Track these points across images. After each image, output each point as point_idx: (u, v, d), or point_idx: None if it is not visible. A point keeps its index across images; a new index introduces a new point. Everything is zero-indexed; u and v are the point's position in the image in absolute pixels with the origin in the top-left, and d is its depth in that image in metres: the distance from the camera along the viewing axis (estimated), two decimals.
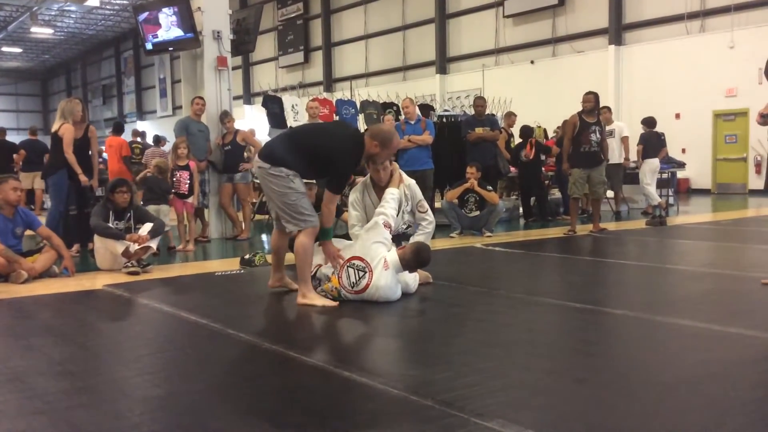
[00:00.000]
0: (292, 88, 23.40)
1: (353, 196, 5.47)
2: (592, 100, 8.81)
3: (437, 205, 9.93)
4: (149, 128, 26.44)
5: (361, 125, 13.14)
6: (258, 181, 12.51)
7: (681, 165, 13.84)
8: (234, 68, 11.16)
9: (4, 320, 4.71)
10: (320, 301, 4.68)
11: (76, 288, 5.74)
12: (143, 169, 10.59)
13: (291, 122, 12.53)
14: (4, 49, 41.13)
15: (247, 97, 33.30)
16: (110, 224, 6.66)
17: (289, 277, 5.17)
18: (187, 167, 8.37)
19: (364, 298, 4.66)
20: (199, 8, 9.27)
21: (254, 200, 11.73)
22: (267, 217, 12.38)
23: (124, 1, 32.27)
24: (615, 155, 11.38)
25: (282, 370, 3.30)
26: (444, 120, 12.09)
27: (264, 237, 9.69)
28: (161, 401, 2.90)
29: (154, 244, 6.63)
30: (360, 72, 27.82)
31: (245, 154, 9.37)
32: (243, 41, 10.23)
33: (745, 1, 17.37)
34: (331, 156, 4.66)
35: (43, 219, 7.37)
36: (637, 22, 19.62)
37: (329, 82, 29.39)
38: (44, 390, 3.02)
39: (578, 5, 20.85)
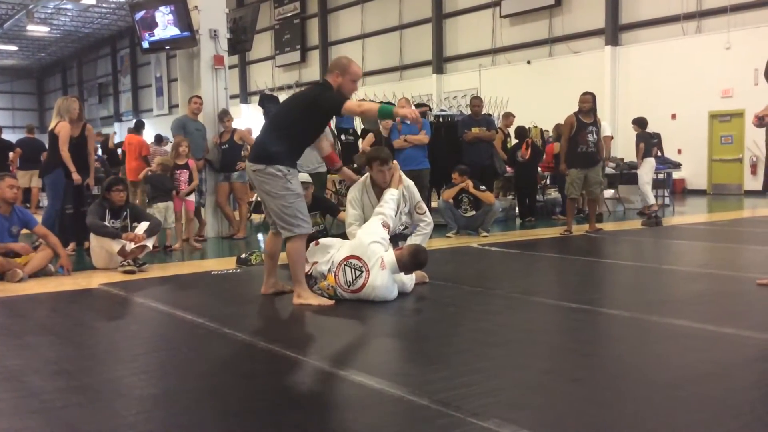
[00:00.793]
0: (289, 87, 23.38)
1: (352, 194, 5.47)
2: (590, 100, 8.84)
3: (433, 204, 9.94)
4: (145, 127, 26.30)
5: (358, 125, 13.16)
6: None
7: (677, 165, 13.86)
8: (231, 67, 11.16)
9: None
10: (316, 300, 4.68)
11: (72, 287, 5.73)
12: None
13: None
14: (0, 47, 41.00)
15: (244, 96, 33.27)
16: (106, 223, 6.66)
17: (284, 278, 5.15)
18: (186, 166, 8.37)
19: (361, 297, 4.66)
20: (195, 7, 9.27)
21: (251, 199, 11.71)
22: (263, 216, 12.39)
23: (121, 0, 32.21)
24: None
25: (278, 370, 3.30)
26: (441, 120, 12.10)
27: (260, 236, 9.68)
28: (157, 400, 2.90)
29: (150, 243, 6.63)
30: None
31: (242, 152, 9.37)
32: (240, 40, 10.23)
33: (742, 2, 17.39)
34: (312, 106, 4.70)
35: (39, 217, 7.35)
36: (634, 22, 19.64)
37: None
38: (40, 389, 3.02)
39: (575, 6, 20.87)
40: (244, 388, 3.03)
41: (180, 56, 9.91)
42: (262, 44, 31.45)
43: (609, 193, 12.43)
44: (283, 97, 13.46)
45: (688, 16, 18.47)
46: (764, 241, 8.59)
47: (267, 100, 12.70)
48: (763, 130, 5.33)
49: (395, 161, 5.58)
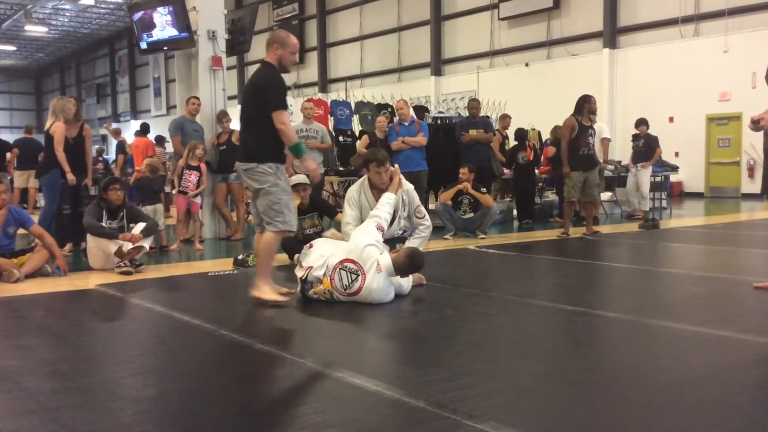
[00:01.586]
0: (288, 88, 23.38)
1: (350, 194, 5.47)
2: (595, 103, 9.00)
3: (431, 206, 9.94)
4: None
5: (357, 126, 13.17)
6: None
7: (674, 168, 13.87)
8: (229, 68, 11.15)
9: None
10: (271, 296, 4.75)
11: (69, 287, 5.72)
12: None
13: None
14: None
15: (242, 97, 33.22)
16: (103, 223, 6.64)
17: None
18: (198, 168, 8.39)
19: (357, 300, 4.66)
20: (194, 8, 9.26)
21: (248, 200, 11.69)
22: None
23: (119, 0, 32.18)
24: None
25: (275, 371, 3.29)
26: (438, 122, 12.11)
27: None
28: (153, 401, 2.90)
29: (147, 244, 6.62)
30: (355, 73, 27.81)
31: None
32: (238, 41, 10.22)
33: (740, 5, 17.42)
34: (261, 99, 4.75)
35: (36, 218, 7.34)
36: (632, 25, 19.67)
37: (324, 82, 29.38)
38: (36, 390, 3.01)
39: (573, 8, 20.90)
40: (240, 390, 3.03)
41: (178, 57, 9.90)
42: (261, 45, 31.15)
43: (606, 195, 12.43)
44: None
45: (686, 20, 18.50)
46: (761, 244, 8.61)
47: None
48: (761, 133, 5.34)
49: (396, 165, 5.58)
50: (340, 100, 13.88)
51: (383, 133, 9.69)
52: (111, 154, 22.01)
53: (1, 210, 6.23)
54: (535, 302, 4.94)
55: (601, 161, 11.60)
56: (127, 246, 6.37)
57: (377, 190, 5.36)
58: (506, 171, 11.40)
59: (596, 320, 4.39)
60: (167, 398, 2.94)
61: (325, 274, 4.73)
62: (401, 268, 4.74)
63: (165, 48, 10.32)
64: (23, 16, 31.37)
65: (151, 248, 7.23)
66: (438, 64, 24.81)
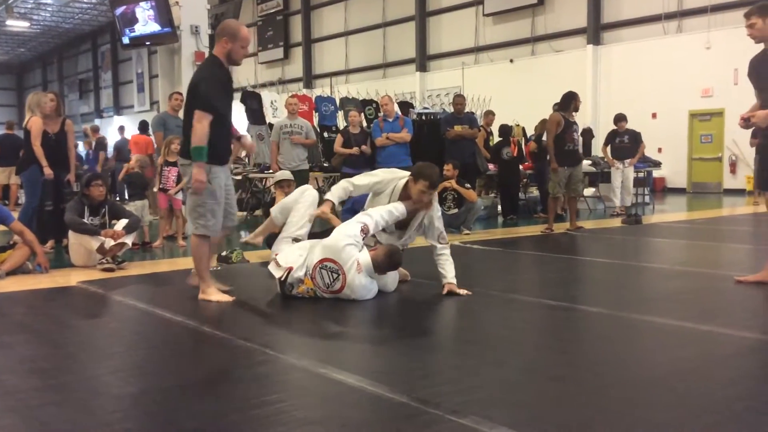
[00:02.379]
0: (272, 84, 23.29)
1: (380, 179, 5.15)
2: (580, 100, 9.11)
3: None
4: (127, 123, 26.13)
5: (341, 122, 13.14)
6: (237, 177, 12.52)
7: (657, 164, 13.96)
8: None
9: None
10: (216, 296, 4.76)
11: (50, 285, 5.67)
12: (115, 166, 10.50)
13: (270, 118, 12.49)
14: None
15: None
16: (85, 220, 6.59)
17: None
18: (176, 164, 8.31)
19: (340, 297, 4.65)
20: (177, 2, 9.21)
21: None
22: (246, 214, 12.33)
23: None
24: None
25: (257, 367, 3.28)
26: (423, 117, 12.10)
27: (242, 233, 9.63)
28: (134, 399, 2.88)
29: (129, 240, 6.57)
30: (340, 69, 27.77)
31: None
32: None
33: (722, 2, 17.55)
34: (195, 91, 4.63)
35: (17, 214, 7.26)
36: (615, 22, 19.78)
37: (309, 78, 29.31)
38: (15, 388, 2.98)
39: (557, 5, 20.97)
40: (222, 386, 3.01)
41: (161, 52, 9.85)
42: None
43: (590, 191, 12.49)
44: (265, 94, 13.47)
45: (669, 16, 18.62)
46: (742, 239, 8.69)
47: (249, 97, 12.65)
48: (745, 129, 5.37)
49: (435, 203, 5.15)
50: (325, 96, 13.85)
51: (355, 128, 9.67)
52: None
53: None
54: (518, 297, 4.96)
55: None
56: (109, 243, 6.32)
57: (406, 200, 4.99)
58: (491, 167, 11.43)
59: (580, 315, 4.41)
60: (149, 395, 2.92)
61: (306, 274, 4.70)
62: (381, 266, 4.73)
63: (148, 43, 10.28)
64: (4, 10, 31.05)
65: (134, 244, 7.18)
66: (423, 60, 24.82)
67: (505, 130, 11.51)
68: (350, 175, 9.47)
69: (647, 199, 13.78)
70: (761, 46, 5.03)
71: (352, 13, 27.45)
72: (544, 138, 10.08)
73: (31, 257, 6.23)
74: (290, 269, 4.74)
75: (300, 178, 8.37)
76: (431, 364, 3.30)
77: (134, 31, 9.59)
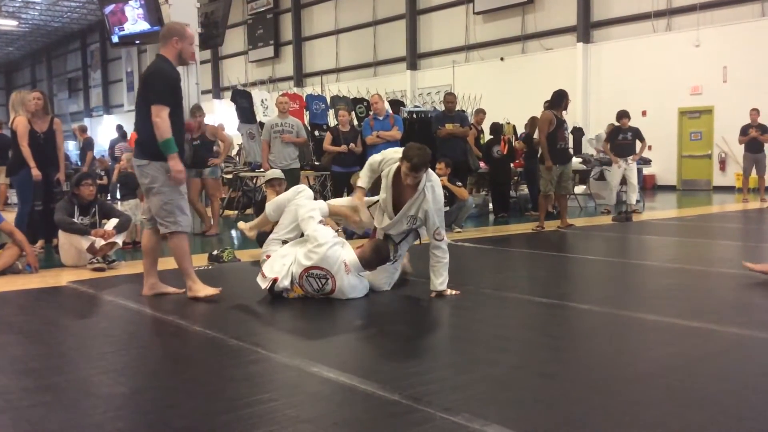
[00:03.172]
0: (262, 82, 23.22)
1: (384, 163, 5.04)
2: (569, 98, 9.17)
3: None
4: (116, 122, 26.01)
5: (332, 121, 13.13)
6: (228, 176, 12.49)
7: (647, 162, 14.02)
8: (203, 62, 11.06)
9: None
10: (204, 291, 4.76)
11: (40, 285, 5.64)
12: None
13: (260, 117, 12.48)
14: None
15: (217, 91, 33.01)
16: (75, 219, 6.56)
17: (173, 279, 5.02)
18: None
19: (333, 298, 4.65)
20: (166, 1, 9.16)
21: (223, 196, 11.63)
22: (236, 212, 12.31)
23: None
24: None
25: (249, 367, 3.27)
26: (414, 116, 12.11)
27: (233, 233, 9.62)
28: (125, 399, 2.87)
29: (119, 240, 6.55)
30: (330, 67, 27.74)
31: (214, 148, 9.30)
32: (211, 35, 10.13)
33: (711, 0, 17.63)
34: (147, 88, 4.64)
35: (6, 215, 7.22)
36: (605, 20, 19.84)
37: (299, 77, 29.25)
38: (5, 388, 2.97)
39: (547, 3, 21.02)
40: (213, 386, 3.00)
41: (151, 51, 9.78)
42: (235, 39, 31.22)
43: (581, 189, 12.52)
44: (255, 92, 13.44)
45: (659, 14, 18.70)
46: (732, 236, 8.73)
47: (239, 96, 12.62)
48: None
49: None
50: (316, 94, 13.84)
51: (345, 126, 9.67)
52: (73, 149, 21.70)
53: None
54: (510, 295, 4.97)
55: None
56: (100, 242, 6.30)
57: (399, 184, 4.88)
58: (482, 165, 11.45)
59: (571, 312, 4.42)
60: (139, 395, 2.91)
61: (293, 283, 4.67)
62: (369, 263, 4.72)
63: (137, 42, 10.20)
64: None
65: (125, 243, 7.15)
66: (413, 59, 24.82)
67: (495, 128, 11.53)
68: (339, 174, 9.55)
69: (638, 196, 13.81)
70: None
71: (343, 12, 27.42)
72: (535, 136, 10.10)
73: (21, 257, 6.20)
74: (275, 280, 4.69)
75: (291, 176, 8.37)
76: (423, 361, 3.30)
77: (123, 30, 9.52)
